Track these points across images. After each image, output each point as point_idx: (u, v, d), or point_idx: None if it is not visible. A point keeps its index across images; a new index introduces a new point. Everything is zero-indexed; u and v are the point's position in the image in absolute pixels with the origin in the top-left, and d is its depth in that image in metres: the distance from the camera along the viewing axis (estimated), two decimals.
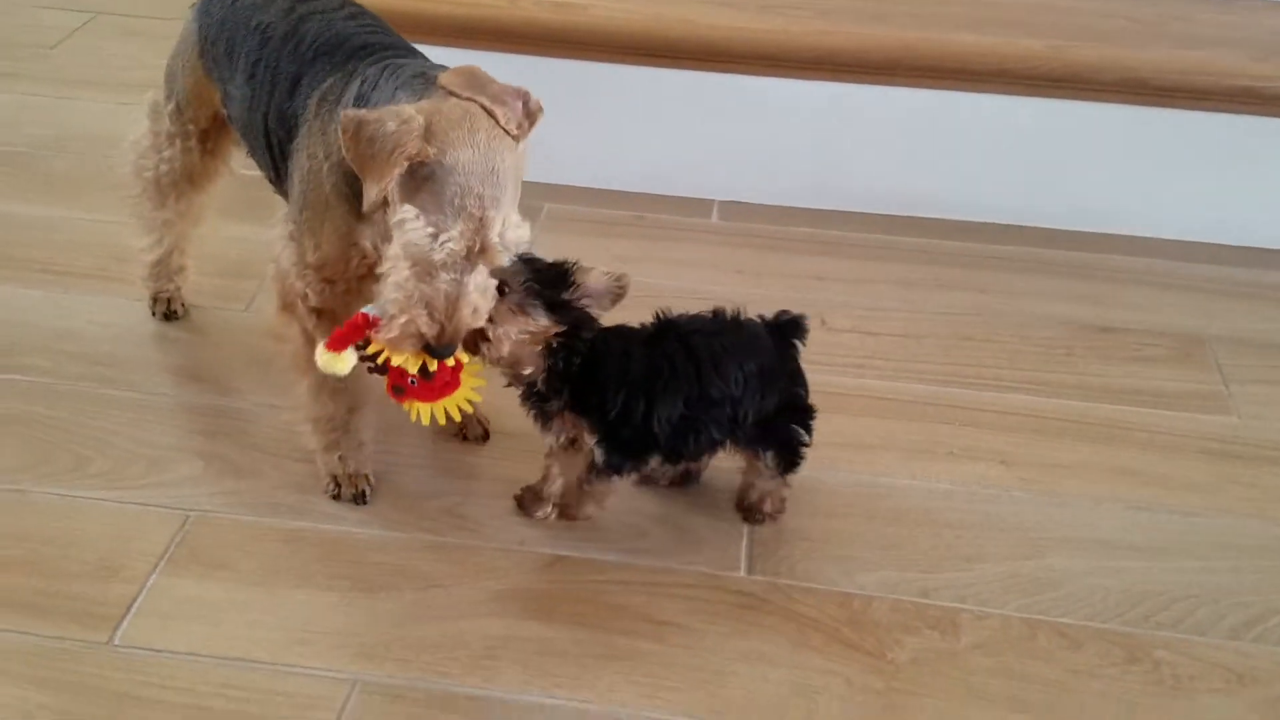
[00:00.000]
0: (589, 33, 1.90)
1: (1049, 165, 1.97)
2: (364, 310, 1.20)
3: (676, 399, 1.29)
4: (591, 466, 1.35)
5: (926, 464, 1.52)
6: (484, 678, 1.23)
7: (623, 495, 1.43)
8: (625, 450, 1.32)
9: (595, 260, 1.81)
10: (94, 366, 1.58)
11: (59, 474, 1.42)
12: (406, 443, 1.50)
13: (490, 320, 1.22)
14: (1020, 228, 1.99)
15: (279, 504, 1.41)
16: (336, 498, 1.42)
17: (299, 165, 1.32)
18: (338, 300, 1.33)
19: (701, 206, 2.03)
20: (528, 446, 1.49)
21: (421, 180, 1.14)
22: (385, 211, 1.19)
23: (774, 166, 2.02)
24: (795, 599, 1.33)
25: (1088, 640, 1.30)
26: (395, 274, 1.17)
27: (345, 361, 1.21)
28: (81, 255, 1.78)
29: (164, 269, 1.67)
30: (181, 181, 1.57)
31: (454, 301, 1.16)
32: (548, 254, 1.83)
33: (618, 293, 1.29)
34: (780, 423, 1.36)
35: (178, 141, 1.54)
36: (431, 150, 1.13)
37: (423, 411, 1.27)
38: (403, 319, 1.16)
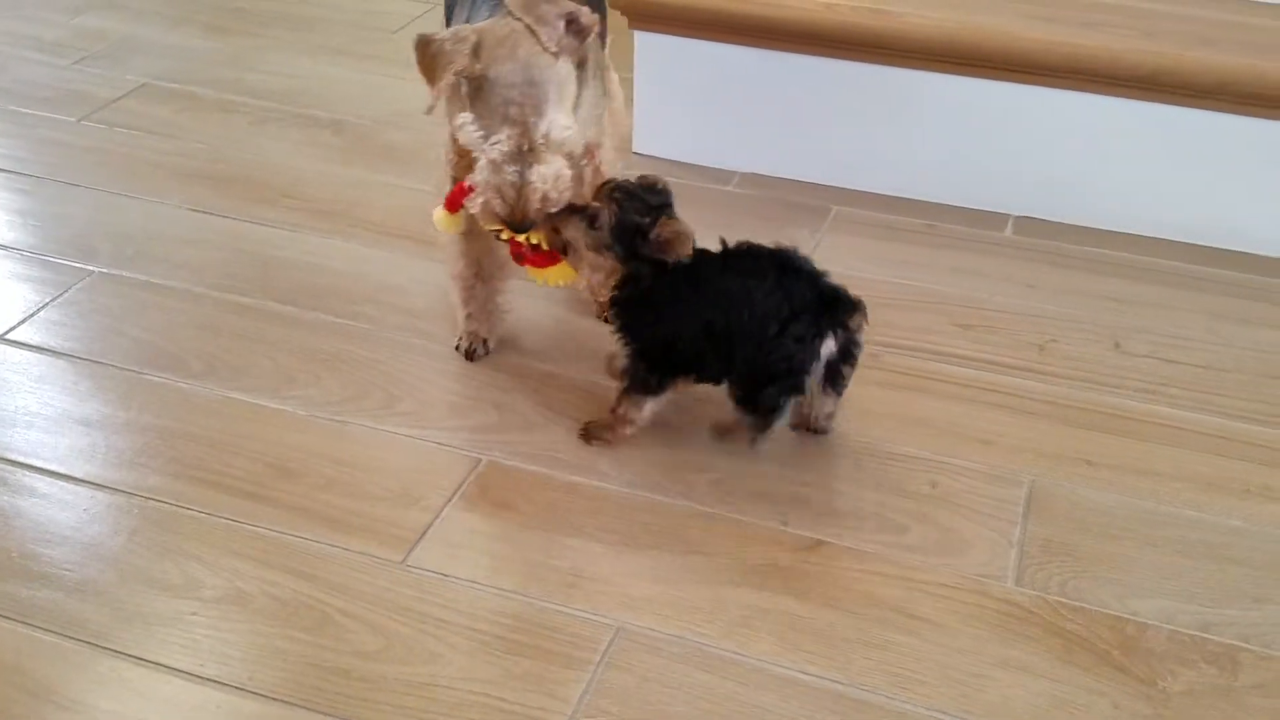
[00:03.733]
0: (901, 39, 1.91)
1: None
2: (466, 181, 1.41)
3: (694, 325, 1.41)
4: (623, 389, 1.47)
5: (1218, 498, 1.44)
6: (738, 644, 1.26)
7: (881, 489, 1.44)
8: (654, 366, 1.45)
9: (880, 263, 1.86)
10: (411, 319, 1.73)
11: (373, 409, 1.57)
12: (677, 416, 1.56)
13: (571, 245, 1.42)
14: None
15: (560, 458, 1.49)
16: (458, 348, 1.65)
17: None
18: None
19: (996, 220, 1.99)
20: (798, 436, 1.53)
21: (475, 90, 1.33)
22: None
23: (1077, 185, 1.96)
24: (1064, 616, 1.29)
25: None
26: (479, 164, 1.36)
27: (456, 222, 1.48)
28: (409, 219, 1.94)
29: None
30: None
31: (519, 189, 1.33)
32: (832, 255, 1.87)
33: (680, 252, 1.39)
34: (761, 370, 1.40)
35: None
36: (477, 66, 1.31)
37: (536, 275, 1.51)
38: (481, 199, 1.36)
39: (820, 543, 1.38)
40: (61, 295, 1.76)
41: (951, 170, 2.01)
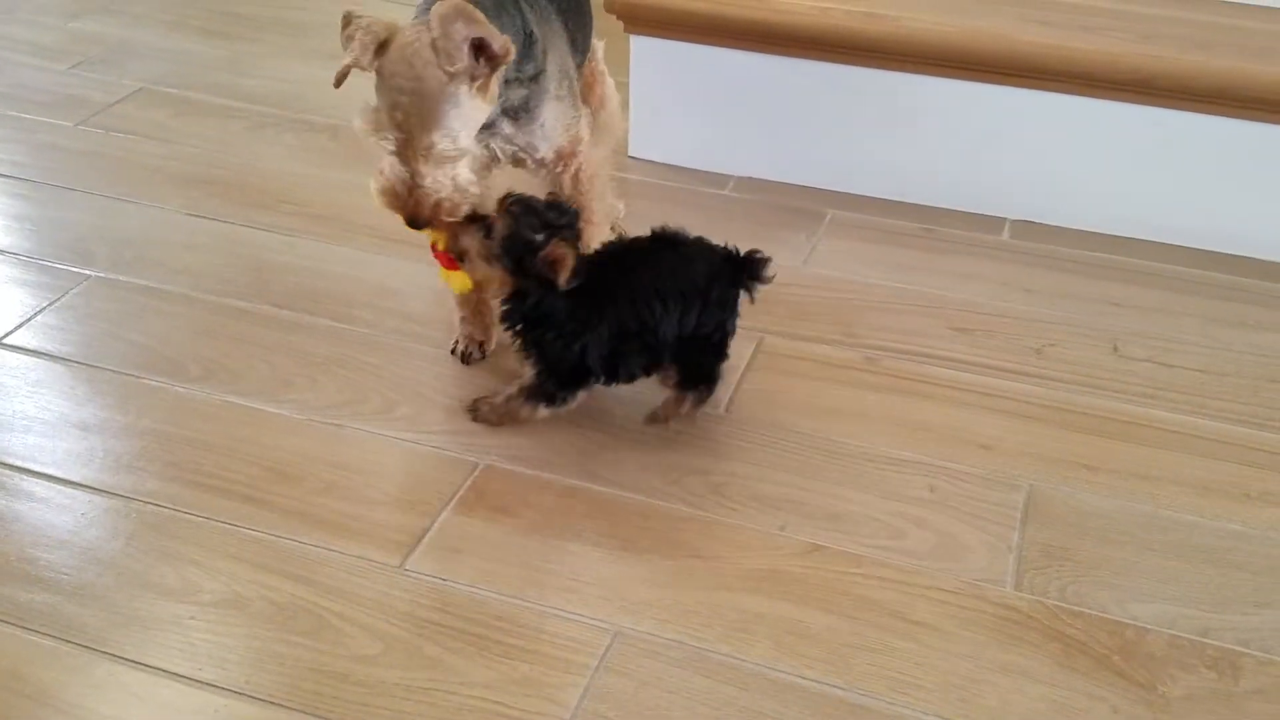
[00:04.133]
0: (897, 43, 1.91)
1: None
2: None
3: (601, 336, 1.44)
4: (522, 391, 1.51)
5: (1217, 502, 1.44)
6: (736, 648, 1.26)
7: (879, 493, 1.44)
8: (563, 383, 1.49)
9: (877, 267, 1.86)
10: (408, 323, 1.73)
11: (370, 413, 1.56)
12: (675, 420, 1.56)
13: (466, 252, 1.43)
14: None
15: (558, 463, 1.49)
16: (454, 352, 1.66)
17: None
18: None
19: (993, 224, 1.99)
20: (796, 440, 1.53)
21: (378, 82, 1.35)
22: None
23: (1073, 188, 1.96)
24: (1063, 620, 1.29)
25: None
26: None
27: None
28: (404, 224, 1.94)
29: None
30: None
31: (409, 188, 1.37)
32: (829, 259, 1.87)
33: (562, 277, 1.38)
34: (694, 345, 1.47)
35: None
36: (377, 64, 1.33)
37: (441, 275, 1.51)
38: (378, 188, 1.40)
39: (818, 547, 1.38)
40: (59, 300, 1.75)
41: (947, 174, 2.01)
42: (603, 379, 1.49)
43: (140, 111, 2.27)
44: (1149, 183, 1.91)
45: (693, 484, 1.46)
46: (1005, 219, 2.00)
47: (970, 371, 1.66)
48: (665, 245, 1.48)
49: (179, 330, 1.70)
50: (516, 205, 1.40)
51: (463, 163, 1.38)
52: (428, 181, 1.36)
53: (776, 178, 2.10)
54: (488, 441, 1.52)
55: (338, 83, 1.35)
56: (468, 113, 1.36)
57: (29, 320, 1.71)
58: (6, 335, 1.68)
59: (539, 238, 1.39)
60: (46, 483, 1.44)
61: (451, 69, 1.30)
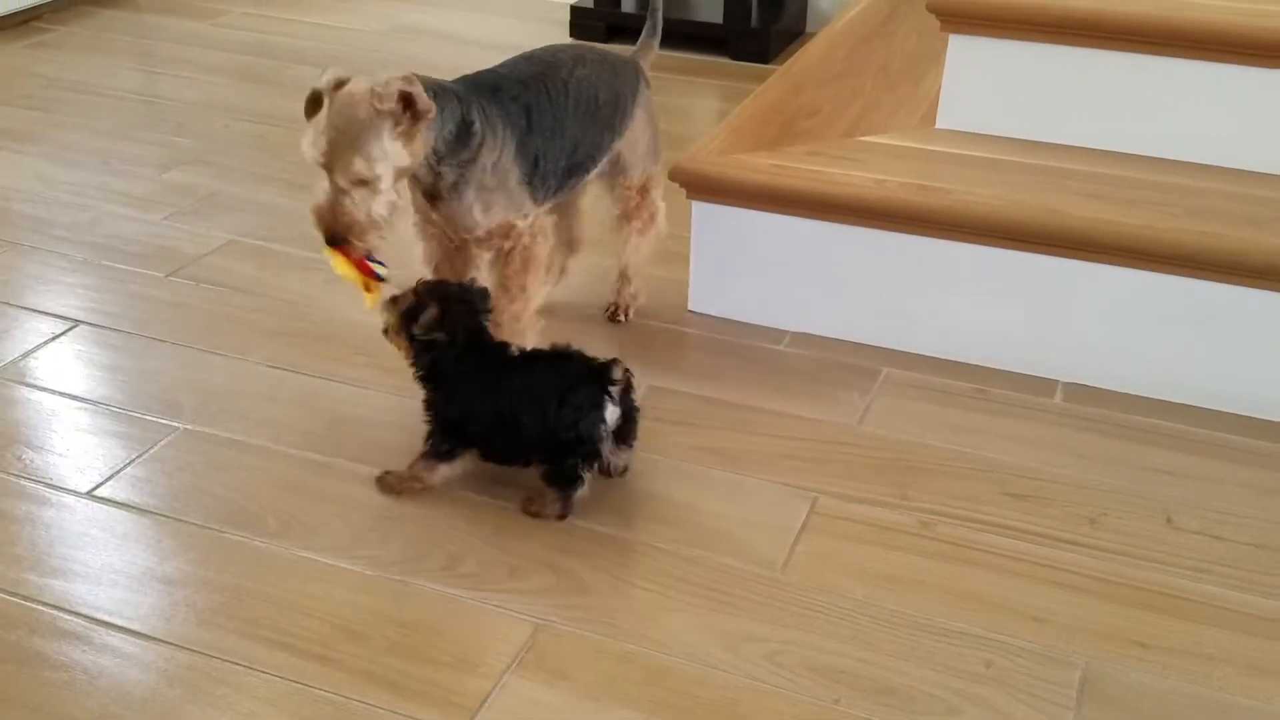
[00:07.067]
0: (950, 215, 1.98)
1: None
2: None
3: (483, 415, 1.67)
4: (422, 454, 1.73)
5: (1270, 684, 1.45)
6: None
7: (934, 666, 1.46)
8: (448, 439, 1.70)
9: (931, 428, 1.91)
10: (472, 478, 1.78)
11: (434, 570, 1.62)
12: (731, 582, 1.60)
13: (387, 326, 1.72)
14: None
15: (617, 625, 1.53)
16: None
17: None
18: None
19: (1045, 386, 2.03)
20: (851, 607, 1.56)
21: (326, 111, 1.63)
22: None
23: (1124, 355, 2.00)
24: None
25: None
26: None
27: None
28: None
29: None
30: None
31: (326, 205, 1.65)
32: (884, 419, 1.92)
33: (425, 320, 1.65)
34: (557, 445, 1.65)
35: None
36: (328, 98, 1.62)
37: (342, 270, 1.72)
38: (312, 204, 1.68)
39: None
40: (147, 451, 1.85)
41: (999, 336, 2.06)
42: (480, 450, 1.71)
43: (229, 263, 2.40)
44: (1201, 351, 1.95)
45: (749, 651, 1.50)
46: (1058, 381, 2.04)
47: (1024, 540, 1.68)
48: (550, 353, 1.71)
49: (260, 484, 1.78)
50: (424, 284, 1.69)
51: (380, 198, 1.64)
52: (345, 201, 1.63)
53: (832, 334, 2.16)
54: (548, 601, 1.57)
55: (307, 110, 1.66)
56: (388, 148, 1.62)
57: (118, 472, 1.80)
58: (97, 487, 1.77)
59: (428, 306, 1.64)
60: (131, 638, 1.51)
61: (380, 106, 1.60)
